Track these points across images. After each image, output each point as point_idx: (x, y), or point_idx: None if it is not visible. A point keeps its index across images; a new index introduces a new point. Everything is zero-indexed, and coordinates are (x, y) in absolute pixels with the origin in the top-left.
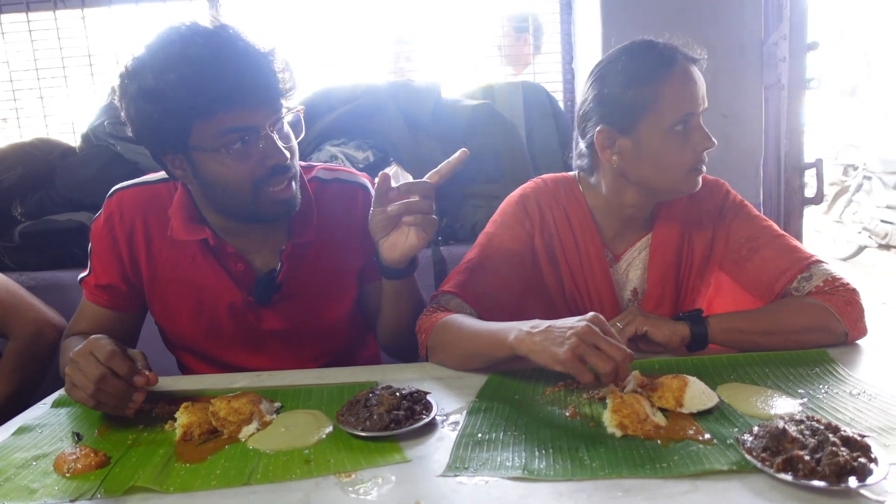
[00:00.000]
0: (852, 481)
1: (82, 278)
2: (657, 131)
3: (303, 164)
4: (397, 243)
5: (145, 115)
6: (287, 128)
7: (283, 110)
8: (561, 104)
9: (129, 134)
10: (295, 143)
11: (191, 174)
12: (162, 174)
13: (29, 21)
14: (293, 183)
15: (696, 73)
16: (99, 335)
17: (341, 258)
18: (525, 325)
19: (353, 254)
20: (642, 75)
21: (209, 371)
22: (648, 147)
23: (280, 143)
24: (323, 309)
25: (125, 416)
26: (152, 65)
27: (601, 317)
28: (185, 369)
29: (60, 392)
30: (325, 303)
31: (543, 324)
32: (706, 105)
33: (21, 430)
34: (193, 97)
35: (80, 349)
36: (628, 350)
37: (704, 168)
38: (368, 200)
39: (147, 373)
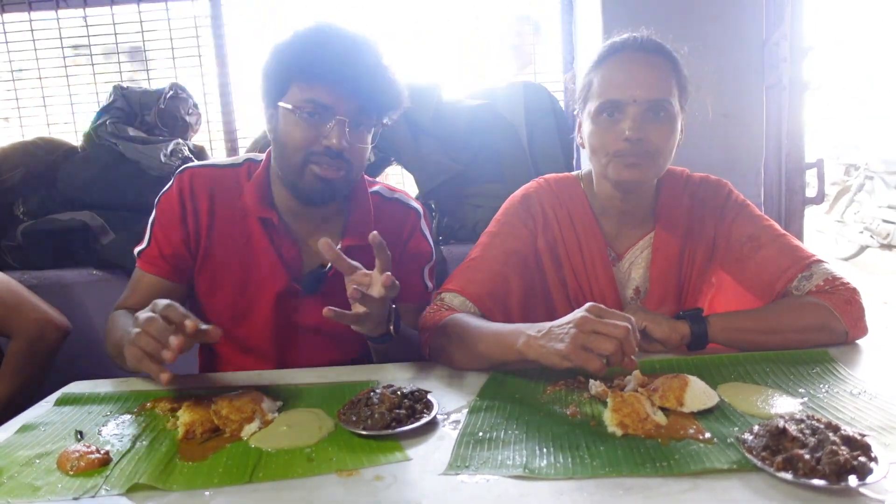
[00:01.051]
0: (852, 480)
1: (140, 251)
2: (590, 115)
3: (368, 179)
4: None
5: (266, 65)
6: (367, 135)
7: (372, 118)
8: (562, 104)
9: (131, 133)
10: (367, 149)
11: (272, 129)
12: (233, 159)
13: (31, 20)
14: (343, 173)
15: (648, 63)
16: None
17: None
18: (531, 330)
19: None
20: (592, 63)
21: (234, 355)
22: (585, 130)
23: (346, 137)
24: None
25: (161, 379)
26: (290, 32)
27: (598, 304)
28: (209, 354)
29: (63, 390)
30: None
31: (546, 326)
32: (652, 95)
33: (24, 429)
34: (301, 59)
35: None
36: (629, 324)
37: (633, 160)
38: (416, 225)
39: (209, 328)
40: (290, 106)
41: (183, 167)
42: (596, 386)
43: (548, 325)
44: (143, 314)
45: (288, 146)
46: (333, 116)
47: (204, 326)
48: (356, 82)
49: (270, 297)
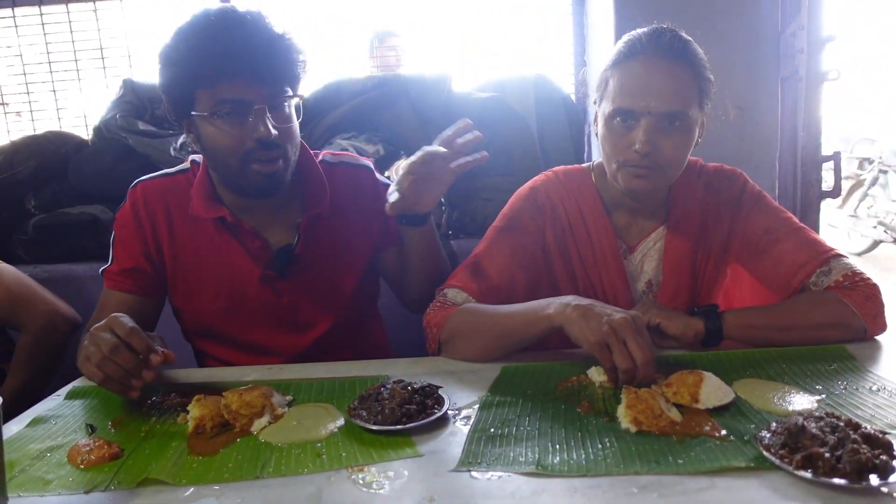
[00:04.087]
0: (874, 479)
1: (104, 269)
2: (603, 116)
3: (312, 151)
4: (423, 194)
5: (162, 79)
6: (289, 110)
7: (286, 92)
8: (573, 97)
9: (141, 127)
10: (294, 126)
11: (194, 140)
12: (181, 166)
13: (42, 14)
14: (281, 162)
15: (667, 71)
16: (120, 314)
17: (352, 232)
18: (563, 299)
19: (363, 227)
20: (610, 59)
21: (227, 353)
22: (599, 130)
23: (271, 122)
24: (336, 279)
25: (129, 397)
26: (173, 35)
27: (642, 318)
28: (202, 357)
29: (74, 384)
30: (339, 273)
31: (585, 301)
32: (667, 107)
33: (35, 422)
34: (196, 65)
35: (100, 325)
36: (652, 354)
37: (641, 172)
38: (373, 179)
39: (164, 350)
40: (205, 113)
41: (136, 182)
42: (596, 374)
43: (587, 300)
44: (104, 336)
45: (220, 153)
46: (251, 108)
47: (160, 349)
48: (257, 65)
49: (250, 290)
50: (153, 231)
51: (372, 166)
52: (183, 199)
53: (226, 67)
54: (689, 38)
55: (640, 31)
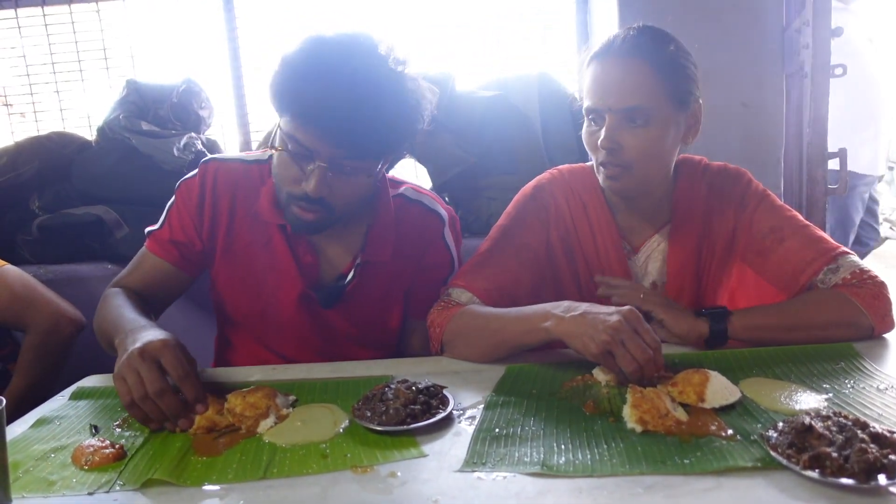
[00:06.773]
0: (882, 479)
1: (151, 231)
2: (584, 117)
3: (392, 178)
4: None
5: (271, 79)
6: (360, 176)
7: (363, 161)
8: (577, 95)
9: (144, 127)
10: (358, 187)
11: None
12: (257, 155)
13: (45, 15)
14: (321, 216)
15: (623, 68)
16: (167, 337)
17: (403, 276)
18: (558, 309)
19: (409, 275)
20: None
21: (254, 350)
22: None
23: (326, 181)
24: (377, 319)
25: (152, 428)
26: (297, 47)
27: (637, 312)
28: (226, 346)
29: (78, 384)
30: (381, 314)
31: (579, 308)
32: (625, 103)
33: (39, 423)
34: (288, 91)
35: (145, 348)
36: (652, 351)
37: (612, 171)
38: (439, 231)
39: (208, 400)
40: (279, 135)
41: (209, 157)
42: (601, 373)
43: (579, 306)
44: (151, 371)
45: (275, 176)
46: (313, 160)
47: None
48: (340, 128)
49: (287, 302)
50: (213, 214)
51: (447, 218)
52: (251, 191)
53: (312, 114)
54: (658, 36)
55: (617, 32)
